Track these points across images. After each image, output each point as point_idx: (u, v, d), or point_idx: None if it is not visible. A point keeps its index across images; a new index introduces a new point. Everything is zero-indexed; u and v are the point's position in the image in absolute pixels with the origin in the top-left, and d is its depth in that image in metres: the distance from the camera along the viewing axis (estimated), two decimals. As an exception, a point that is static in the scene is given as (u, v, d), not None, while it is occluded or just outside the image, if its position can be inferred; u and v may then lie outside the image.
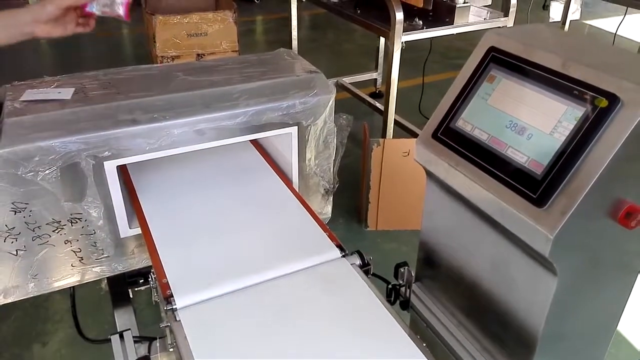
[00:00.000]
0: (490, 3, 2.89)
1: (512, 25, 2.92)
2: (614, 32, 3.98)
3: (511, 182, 0.93)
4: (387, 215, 2.80)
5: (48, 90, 1.39)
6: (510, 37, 1.06)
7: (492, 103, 1.03)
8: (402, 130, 3.46)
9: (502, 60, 1.04)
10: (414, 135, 3.32)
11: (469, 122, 1.05)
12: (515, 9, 2.87)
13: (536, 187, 0.89)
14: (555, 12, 4.19)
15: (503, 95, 1.02)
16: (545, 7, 6.42)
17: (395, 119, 2.98)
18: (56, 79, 1.47)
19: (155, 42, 3.89)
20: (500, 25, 2.90)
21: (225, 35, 4.02)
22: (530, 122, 0.95)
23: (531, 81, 0.97)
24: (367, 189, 2.74)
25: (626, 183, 0.87)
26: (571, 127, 0.88)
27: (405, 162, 2.63)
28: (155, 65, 1.67)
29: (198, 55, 3.99)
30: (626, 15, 3.77)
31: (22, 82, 1.45)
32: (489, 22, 2.89)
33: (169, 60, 3.93)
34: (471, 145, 1.03)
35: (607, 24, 6.03)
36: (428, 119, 1.16)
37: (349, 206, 2.96)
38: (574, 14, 4.18)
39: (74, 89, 1.40)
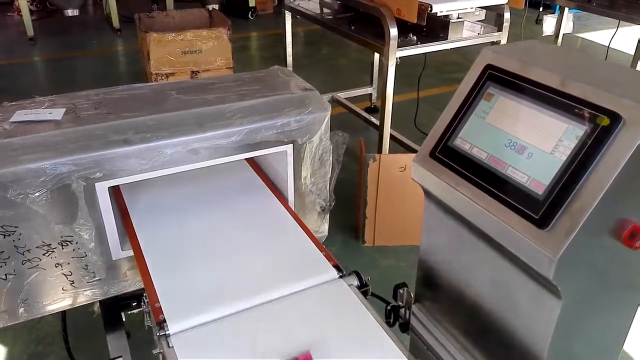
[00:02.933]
0: (483, 18, 2.90)
1: (505, 39, 2.92)
2: (607, 45, 4.00)
3: (512, 202, 0.91)
4: (384, 231, 2.77)
5: (39, 111, 1.37)
6: (507, 55, 1.04)
7: (490, 121, 1.01)
8: (398, 145, 3.45)
9: (499, 78, 1.03)
10: (410, 149, 3.31)
11: (467, 140, 1.03)
12: (508, 23, 2.88)
13: (538, 207, 0.87)
14: (548, 26, 4.22)
15: (501, 113, 1.00)
16: (538, 21, 6.47)
17: (391, 134, 2.97)
18: (47, 99, 1.45)
19: (149, 59, 3.88)
20: (494, 40, 2.90)
21: (219, 52, 4.01)
22: (530, 141, 0.93)
23: (530, 99, 0.96)
24: (363, 205, 2.71)
25: (630, 203, 0.85)
26: (572, 146, 0.86)
27: (402, 177, 2.61)
28: (147, 84, 1.66)
29: (192, 72, 3.99)
30: (619, 29, 3.79)
31: (13, 103, 1.43)
32: (482, 36, 2.90)
33: (163, 77, 3.92)
34: (470, 165, 1.01)
35: (599, 37, 6.07)
36: (424, 133, 1.14)
37: (346, 222, 2.94)
38: (567, 27, 4.20)
39: (65, 109, 1.38)
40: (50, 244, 1.29)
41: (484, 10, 2.84)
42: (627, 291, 1.03)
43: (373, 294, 1.27)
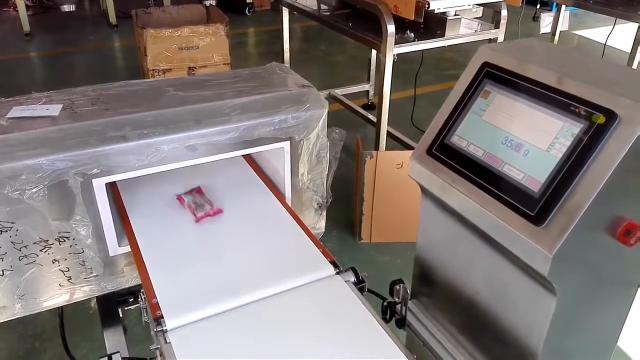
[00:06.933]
0: (481, 15, 2.90)
1: (503, 36, 2.93)
2: (604, 42, 4.00)
3: (508, 199, 0.92)
4: (381, 228, 2.78)
5: (35, 107, 1.36)
6: (504, 53, 1.05)
7: (487, 119, 1.02)
8: (395, 142, 3.45)
9: (496, 75, 1.03)
10: (407, 146, 3.31)
11: (464, 138, 1.04)
12: (505, 20, 2.88)
13: (534, 204, 0.88)
14: (545, 23, 4.23)
15: (498, 111, 1.01)
16: (535, 18, 6.48)
17: (388, 131, 2.97)
18: (44, 95, 1.45)
19: (146, 55, 3.87)
20: (491, 37, 2.90)
21: (216, 48, 4.00)
22: (526, 138, 0.94)
23: (526, 97, 0.96)
24: (360, 202, 2.72)
25: (625, 200, 0.86)
26: (568, 143, 0.87)
27: (399, 174, 2.61)
28: (145, 80, 1.65)
29: (190, 68, 3.98)
30: (615, 26, 3.79)
31: (9, 99, 1.43)
32: (480, 34, 2.90)
33: (160, 73, 3.91)
34: (467, 162, 1.01)
35: (596, 34, 6.08)
36: (421, 130, 1.15)
37: (343, 218, 2.94)
38: (564, 25, 4.21)
39: (62, 105, 1.38)
40: (48, 240, 1.29)
41: (481, 8, 2.84)
42: (621, 287, 1.04)
43: (370, 290, 1.28)
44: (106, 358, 1.22)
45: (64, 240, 1.31)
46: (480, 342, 1.15)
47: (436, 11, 2.66)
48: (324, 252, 1.30)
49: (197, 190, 1.55)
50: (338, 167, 1.67)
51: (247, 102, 1.44)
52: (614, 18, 3.54)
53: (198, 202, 1.49)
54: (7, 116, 1.31)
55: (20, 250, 1.28)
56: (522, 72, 0.99)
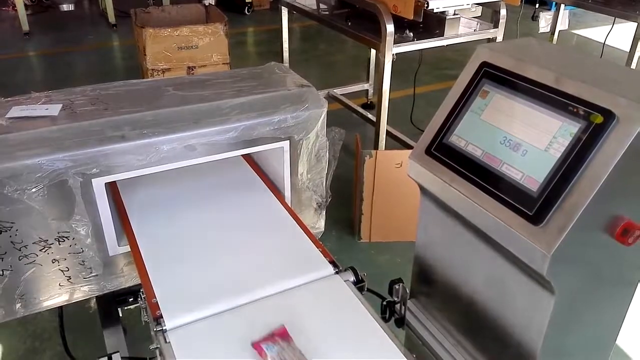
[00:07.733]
0: (480, 14, 2.90)
1: (501, 36, 2.93)
2: (603, 42, 4.01)
3: (506, 199, 0.92)
4: (380, 227, 2.78)
5: (35, 107, 1.37)
6: (502, 52, 1.05)
7: (486, 118, 1.02)
8: (394, 141, 3.45)
9: (494, 75, 1.03)
10: (406, 145, 3.31)
11: (463, 137, 1.04)
12: (504, 20, 2.88)
13: (532, 204, 0.88)
14: (544, 22, 4.23)
15: (496, 110, 1.01)
16: (535, 17, 6.48)
17: (387, 130, 2.98)
18: (43, 95, 1.45)
19: (145, 55, 3.86)
20: (490, 37, 2.90)
21: (216, 47, 4.00)
22: (524, 138, 0.94)
23: (525, 97, 0.97)
24: (360, 201, 2.72)
25: (623, 200, 0.86)
26: (566, 143, 0.87)
27: (398, 173, 2.62)
28: (144, 80, 1.65)
29: (189, 68, 3.97)
30: (614, 25, 3.80)
31: (9, 99, 1.43)
32: (478, 33, 2.91)
33: (159, 73, 3.91)
34: (465, 162, 1.02)
35: (595, 33, 6.08)
36: (420, 129, 1.15)
37: (342, 218, 2.94)
38: (563, 24, 4.21)
39: (61, 105, 1.38)
40: (47, 240, 1.30)
41: (480, 7, 2.84)
42: (619, 287, 1.04)
43: (369, 290, 1.28)
44: (106, 358, 1.22)
45: (64, 240, 1.31)
46: (479, 341, 1.15)
47: (435, 11, 2.66)
48: (323, 252, 1.31)
49: (281, 334, 1.07)
50: (337, 167, 1.67)
51: (247, 102, 1.45)
52: (613, 17, 3.54)
53: (287, 358, 1.02)
54: (6, 116, 1.32)
55: (20, 250, 1.28)
56: (521, 71, 0.99)
